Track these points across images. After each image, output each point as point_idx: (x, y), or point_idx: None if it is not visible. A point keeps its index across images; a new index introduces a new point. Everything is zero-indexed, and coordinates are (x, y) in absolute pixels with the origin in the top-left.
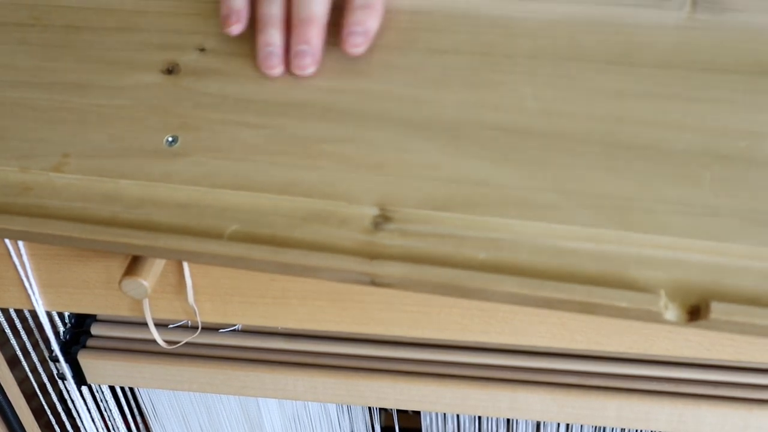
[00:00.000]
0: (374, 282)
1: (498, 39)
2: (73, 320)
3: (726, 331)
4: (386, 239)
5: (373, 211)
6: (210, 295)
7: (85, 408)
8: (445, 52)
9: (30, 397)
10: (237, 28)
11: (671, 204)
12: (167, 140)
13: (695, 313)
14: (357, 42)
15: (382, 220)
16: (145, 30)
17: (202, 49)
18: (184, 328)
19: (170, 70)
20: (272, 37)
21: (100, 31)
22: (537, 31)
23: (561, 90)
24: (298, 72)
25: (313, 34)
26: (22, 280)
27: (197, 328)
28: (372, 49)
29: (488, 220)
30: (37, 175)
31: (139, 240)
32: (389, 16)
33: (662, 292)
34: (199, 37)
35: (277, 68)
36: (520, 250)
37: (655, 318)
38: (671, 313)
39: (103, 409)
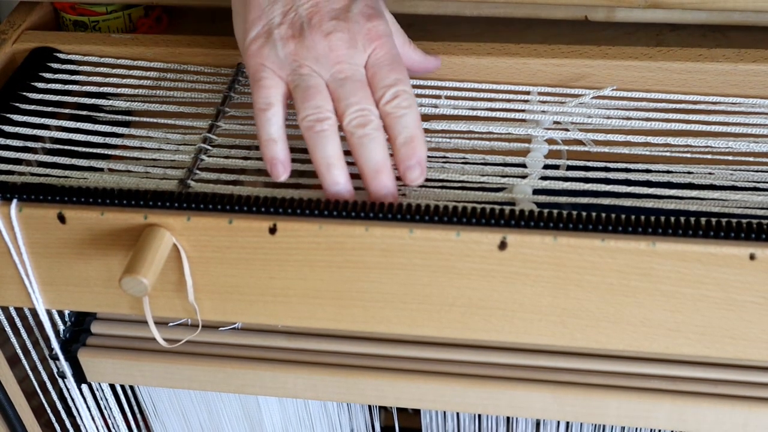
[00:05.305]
0: None
1: None
2: (73, 318)
3: None
4: None
5: None
6: (210, 293)
7: (85, 406)
8: None
9: (30, 395)
10: (285, 176)
11: None
12: None
13: None
14: (415, 175)
15: None
16: None
17: None
18: (185, 326)
19: None
20: (339, 177)
21: None
22: None
23: None
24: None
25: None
26: (22, 278)
27: (197, 326)
28: None
29: None
30: None
31: None
32: None
33: None
34: None
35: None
36: None
37: None
38: None
39: (103, 407)
